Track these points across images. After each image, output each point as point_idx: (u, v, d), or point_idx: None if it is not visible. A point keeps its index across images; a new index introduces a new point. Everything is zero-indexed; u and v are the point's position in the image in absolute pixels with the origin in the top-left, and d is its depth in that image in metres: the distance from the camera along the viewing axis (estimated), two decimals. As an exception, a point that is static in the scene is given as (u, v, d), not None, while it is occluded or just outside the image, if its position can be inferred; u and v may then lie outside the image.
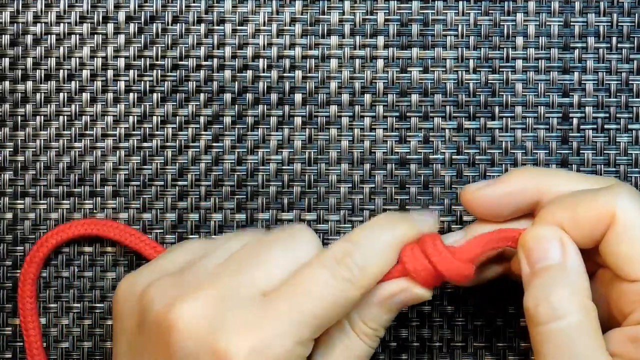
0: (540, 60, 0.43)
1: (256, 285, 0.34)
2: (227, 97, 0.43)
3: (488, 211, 0.37)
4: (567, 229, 0.35)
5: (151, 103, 0.43)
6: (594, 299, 0.35)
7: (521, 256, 0.36)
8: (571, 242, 0.35)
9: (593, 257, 0.36)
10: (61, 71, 0.43)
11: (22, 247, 0.43)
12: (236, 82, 0.43)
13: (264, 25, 0.43)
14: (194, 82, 0.43)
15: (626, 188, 0.35)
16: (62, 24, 0.43)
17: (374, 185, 0.43)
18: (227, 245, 0.37)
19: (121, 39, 0.43)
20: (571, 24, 0.43)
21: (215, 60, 0.43)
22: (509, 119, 0.43)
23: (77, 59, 0.43)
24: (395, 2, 0.43)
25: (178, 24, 0.43)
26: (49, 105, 0.43)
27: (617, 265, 0.34)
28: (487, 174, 0.43)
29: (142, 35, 0.43)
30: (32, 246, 0.42)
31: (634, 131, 0.43)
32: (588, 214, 0.34)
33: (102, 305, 0.43)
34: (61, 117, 0.43)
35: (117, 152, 0.43)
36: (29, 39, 0.43)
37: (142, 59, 0.43)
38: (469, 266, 0.36)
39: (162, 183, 0.43)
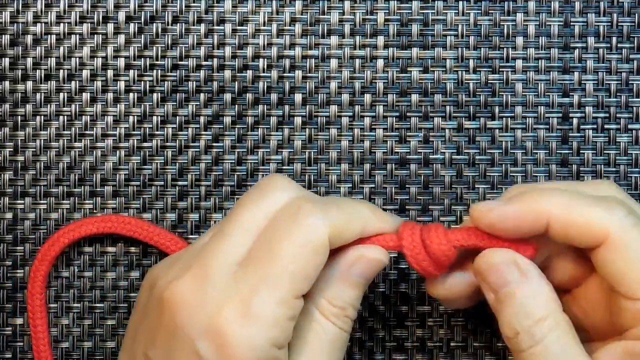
0: (540, 60, 0.43)
1: (231, 255, 0.34)
2: (227, 97, 0.43)
3: (499, 231, 0.35)
4: (554, 231, 0.34)
5: (151, 103, 0.43)
6: (588, 305, 0.36)
7: (481, 283, 0.36)
8: (527, 261, 0.35)
9: (586, 261, 0.36)
10: (61, 71, 0.43)
11: (22, 247, 0.43)
12: (236, 82, 0.43)
13: (264, 25, 0.43)
14: (194, 82, 0.43)
15: (622, 206, 0.34)
16: (62, 24, 0.43)
17: (374, 185, 0.43)
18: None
19: (121, 39, 0.43)
20: (571, 24, 0.43)
21: (215, 60, 0.43)
22: (509, 119, 0.43)
23: (77, 59, 0.43)
24: (395, 2, 0.43)
25: (178, 24, 0.43)
26: (49, 105, 0.43)
27: (614, 283, 0.34)
28: (487, 174, 0.43)
29: (142, 35, 0.43)
30: (44, 243, 0.42)
31: (634, 131, 0.43)
32: (580, 227, 0.34)
33: (102, 305, 0.43)
34: (61, 117, 0.43)
35: (117, 152, 0.43)
36: (29, 39, 0.43)
37: (142, 59, 0.43)
38: (453, 250, 0.36)
39: (162, 183, 0.43)
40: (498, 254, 0.35)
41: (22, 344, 0.43)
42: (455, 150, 0.43)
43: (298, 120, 0.43)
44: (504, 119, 0.43)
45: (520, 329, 0.34)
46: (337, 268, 0.35)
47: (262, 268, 0.33)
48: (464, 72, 0.43)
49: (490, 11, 0.43)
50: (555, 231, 0.34)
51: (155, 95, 0.43)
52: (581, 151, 0.43)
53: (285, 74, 0.43)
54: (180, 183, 0.43)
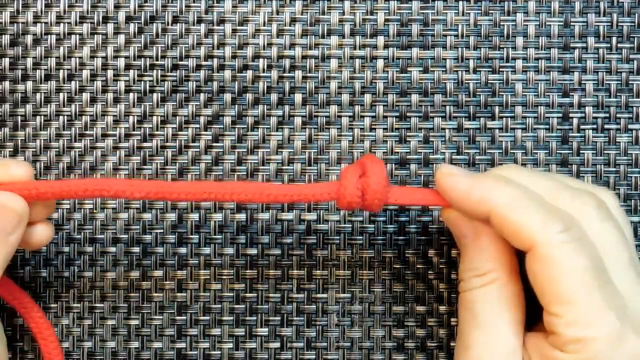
0: (540, 60, 0.43)
1: None
2: (227, 97, 0.43)
3: (449, 198, 0.37)
4: (493, 224, 0.36)
5: (151, 103, 0.43)
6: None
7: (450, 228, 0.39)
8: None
9: None
10: (61, 71, 0.43)
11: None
12: (236, 82, 0.43)
13: (264, 25, 0.43)
14: (194, 82, 0.43)
15: (561, 221, 0.34)
16: (62, 24, 0.43)
17: (374, 185, 0.43)
18: None
19: (121, 39, 0.43)
20: (571, 24, 0.43)
21: (215, 60, 0.43)
22: (509, 119, 0.43)
23: (77, 59, 0.43)
24: (395, 2, 0.43)
25: (178, 24, 0.43)
26: (49, 105, 0.43)
27: (536, 292, 0.35)
28: (487, 174, 0.43)
29: (142, 35, 0.43)
30: None
31: (634, 131, 0.43)
32: (511, 229, 0.35)
33: (102, 305, 0.43)
34: (61, 117, 0.43)
35: (117, 152, 0.43)
36: (29, 39, 0.43)
37: (142, 59, 0.43)
38: (382, 203, 0.37)
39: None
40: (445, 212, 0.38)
41: (22, 344, 0.43)
42: (455, 150, 0.43)
43: (298, 120, 0.43)
44: (504, 119, 0.43)
45: (463, 277, 0.37)
46: None
47: None
48: (464, 72, 0.43)
49: (490, 11, 0.43)
50: (493, 223, 0.36)
51: (155, 95, 0.43)
52: (581, 151, 0.43)
53: (285, 74, 0.43)
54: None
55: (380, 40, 0.43)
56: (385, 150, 0.43)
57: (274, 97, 0.43)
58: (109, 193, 0.37)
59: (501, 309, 0.36)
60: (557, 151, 0.43)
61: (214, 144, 0.43)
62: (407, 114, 0.43)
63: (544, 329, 0.35)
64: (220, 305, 0.43)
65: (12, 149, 0.43)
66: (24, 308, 0.41)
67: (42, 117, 0.43)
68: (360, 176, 0.37)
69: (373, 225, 0.43)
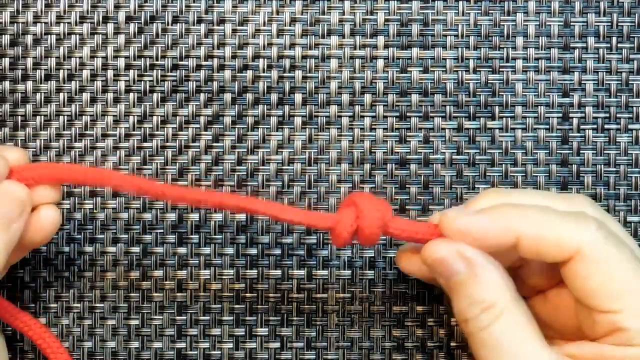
0: (540, 60, 0.43)
1: None
2: (227, 97, 0.43)
3: (466, 241, 0.35)
4: (525, 247, 0.35)
5: (151, 103, 0.43)
6: (559, 307, 0.37)
7: (432, 270, 0.36)
8: (473, 250, 0.35)
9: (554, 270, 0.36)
10: (61, 71, 0.43)
11: (22, 247, 0.43)
12: (236, 82, 0.43)
13: (264, 25, 0.43)
14: (194, 82, 0.43)
15: (592, 220, 0.34)
16: (62, 24, 0.43)
17: (374, 185, 0.43)
18: None
19: (121, 39, 0.43)
20: (571, 24, 0.43)
21: (215, 60, 0.43)
22: (509, 119, 0.43)
23: (77, 59, 0.43)
24: (395, 2, 0.43)
25: (178, 24, 0.43)
26: (49, 105, 0.43)
27: (584, 296, 0.34)
28: (487, 174, 0.43)
29: (142, 35, 0.43)
30: None
31: (634, 131, 0.43)
32: (551, 242, 0.34)
33: (102, 305, 0.43)
34: (61, 117, 0.43)
35: (117, 152, 0.43)
36: (29, 39, 0.43)
37: (142, 59, 0.43)
38: (377, 238, 0.36)
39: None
40: (442, 246, 0.35)
41: (22, 344, 0.43)
42: (455, 150, 0.43)
43: (298, 120, 0.43)
44: (504, 119, 0.43)
45: (469, 317, 0.35)
46: None
47: None
48: (464, 72, 0.43)
49: (490, 11, 0.43)
50: (525, 247, 0.35)
51: (155, 95, 0.43)
52: (581, 151, 0.43)
53: (285, 74, 0.43)
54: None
55: (380, 40, 0.43)
56: (385, 150, 0.43)
57: (274, 97, 0.43)
58: (109, 183, 0.37)
59: (528, 329, 0.35)
60: (557, 151, 0.43)
61: (214, 144, 0.43)
62: (407, 114, 0.43)
63: (573, 339, 0.36)
64: (220, 305, 0.43)
65: (12, 149, 0.43)
66: (27, 326, 0.41)
67: (42, 117, 0.43)
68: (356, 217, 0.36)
69: (373, 225, 0.43)
